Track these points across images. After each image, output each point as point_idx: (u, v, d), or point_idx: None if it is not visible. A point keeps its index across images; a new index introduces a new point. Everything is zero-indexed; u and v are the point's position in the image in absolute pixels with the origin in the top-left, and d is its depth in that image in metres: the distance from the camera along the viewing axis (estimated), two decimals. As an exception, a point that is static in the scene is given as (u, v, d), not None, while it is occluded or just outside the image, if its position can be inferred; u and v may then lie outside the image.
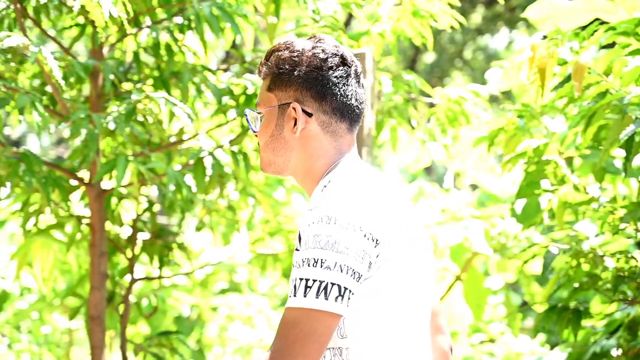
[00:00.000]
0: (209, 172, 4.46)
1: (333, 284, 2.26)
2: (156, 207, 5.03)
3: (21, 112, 4.04)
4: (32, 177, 4.14)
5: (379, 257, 2.35)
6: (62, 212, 4.88)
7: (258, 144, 2.64)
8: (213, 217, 5.05)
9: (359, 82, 2.55)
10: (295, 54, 2.51)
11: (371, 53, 4.53)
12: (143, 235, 4.96)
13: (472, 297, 6.60)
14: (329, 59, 2.50)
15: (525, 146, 4.19)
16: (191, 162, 4.54)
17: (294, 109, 2.50)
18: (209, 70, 4.64)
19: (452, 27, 4.79)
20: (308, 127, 2.50)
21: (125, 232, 5.06)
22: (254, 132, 2.59)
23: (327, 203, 2.33)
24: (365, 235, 2.31)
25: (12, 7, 4.64)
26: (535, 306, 5.88)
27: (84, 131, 4.09)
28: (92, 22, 4.53)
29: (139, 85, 4.67)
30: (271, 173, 2.60)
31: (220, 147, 4.59)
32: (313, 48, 2.52)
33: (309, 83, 2.50)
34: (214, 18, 4.36)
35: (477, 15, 17.56)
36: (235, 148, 4.59)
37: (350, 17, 10.39)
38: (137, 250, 4.89)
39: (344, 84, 2.51)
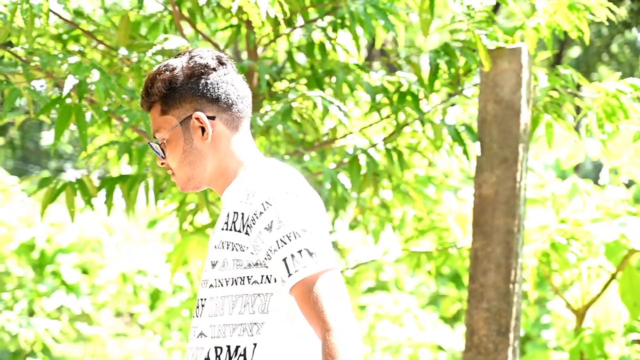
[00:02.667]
0: (363, 170, 4.46)
1: (324, 243, 2.41)
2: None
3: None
4: (190, 177, 4.19)
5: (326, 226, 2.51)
6: (217, 211, 4.94)
7: (170, 171, 2.67)
8: (366, 215, 5.04)
9: (238, 77, 2.64)
10: (176, 71, 2.59)
11: (526, 48, 4.46)
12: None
13: (629, 296, 6.43)
14: (208, 64, 2.59)
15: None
16: (345, 160, 4.55)
17: (197, 118, 2.57)
18: (362, 68, 4.63)
19: (598, 21, 4.67)
20: (215, 129, 2.59)
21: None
22: (163, 158, 2.64)
23: (270, 183, 2.46)
24: (316, 200, 2.48)
25: (167, 10, 4.74)
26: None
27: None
28: (247, 23, 4.57)
29: (292, 85, 4.70)
30: (191, 189, 2.66)
31: (374, 145, 4.58)
32: (189, 60, 2.60)
33: (200, 90, 2.58)
34: (368, 16, 4.35)
35: (623, 9, 17.17)
36: (389, 146, 4.57)
37: (495, 11, 10.24)
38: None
39: (229, 81, 2.60)
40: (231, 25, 4.80)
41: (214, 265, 2.53)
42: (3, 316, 9.80)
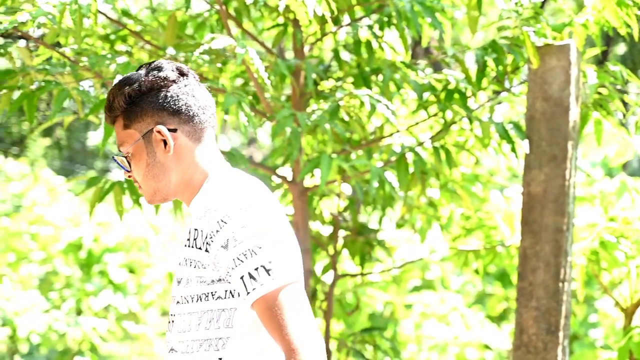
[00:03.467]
0: (410, 168, 4.44)
1: (282, 257, 2.39)
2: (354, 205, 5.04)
3: (226, 112, 4.11)
4: (238, 176, 4.19)
5: (288, 235, 2.48)
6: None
7: (137, 184, 2.68)
8: (414, 214, 5.02)
9: (200, 87, 2.64)
10: (135, 85, 2.59)
11: (575, 44, 4.42)
12: (342, 232, 4.98)
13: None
14: (168, 76, 2.59)
15: None
16: (392, 159, 4.53)
17: (159, 132, 2.58)
18: (409, 66, 4.62)
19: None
20: (177, 142, 2.59)
21: (325, 229, 5.09)
22: (129, 172, 2.66)
23: (227, 199, 2.45)
24: (274, 213, 2.46)
25: (213, 9, 4.74)
26: None
27: (288, 130, 4.13)
28: (294, 22, 4.57)
29: (339, 83, 4.69)
30: (158, 202, 2.67)
31: (421, 144, 4.56)
32: (149, 73, 2.60)
33: (160, 103, 2.58)
34: (415, 14, 4.34)
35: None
36: (437, 144, 4.55)
37: (541, 7, 10.13)
38: (338, 247, 4.91)
39: (190, 92, 2.60)
40: (277, 24, 4.80)
41: (179, 282, 2.55)
42: (51, 315, 9.88)
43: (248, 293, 2.38)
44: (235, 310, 2.46)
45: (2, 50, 3.99)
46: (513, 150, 4.41)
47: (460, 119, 4.55)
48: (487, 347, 8.89)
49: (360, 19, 4.66)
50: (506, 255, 5.17)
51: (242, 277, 2.39)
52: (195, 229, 2.50)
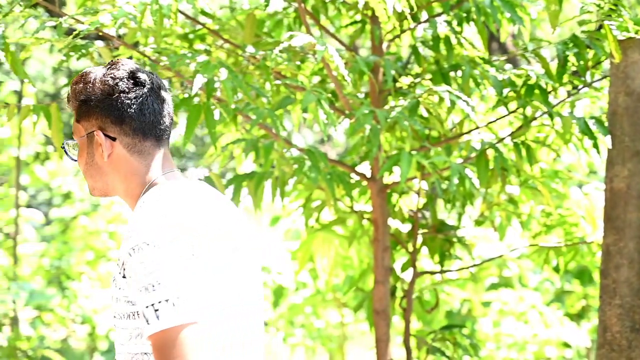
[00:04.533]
0: (491, 165, 4.41)
1: (177, 298, 2.36)
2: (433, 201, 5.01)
3: (304, 110, 4.11)
4: (317, 174, 4.20)
5: (198, 268, 2.44)
6: (343, 208, 4.94)
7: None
8: (494, 210, 4.98)
9: (157, 98, 2.64)
10: (89, 84, 2.61)
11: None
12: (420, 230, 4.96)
13: None
14: (119, 84, 2.59)
15: None
16: (472, 155, 4.50)
17: (98, 136, 2.60)
18: (488, 62, 4.58)
19: None
20: (115, 151, 2.61)
21: (403, 226, 5.08)
22: (75, 160, 2.70)
23: (141, 228, 2.43)
24: (182, 248, 2.41)
25: (291, 7, 4.75)
26: None
27: (367, 127, 4.12)
28: (371, 19, 4.56)
29: (417, 80, 4.67)
30: (98, 196, 2.71)
31: (501, 140, 4.52)
32: (104, 76, 2.61)
33: (105, 110, 2.60)
34: (494, 9, 4.30)
35: None
36: (517, 140, 4.51)
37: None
38: (418, 244, 4.88)
39: (139, 104, 2.60)
40: (355, 22, 4.79)
41: (113, 298, 2.58)
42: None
43: (144, 327, 2.40)
44: None
45: (84, 51, 4.03)
46: (595, 146, 4.35)
47: (541, 115, 4.50)
48: (566, 345, 8.80)
49: (439, 14, 4.63)
50: (588, 253, 5.10)
51: (138, 312, 2.45)
52: (120, 252, 2.53)
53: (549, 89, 4.51)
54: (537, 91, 4.44)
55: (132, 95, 2.61)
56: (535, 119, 4.52)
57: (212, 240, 2.51)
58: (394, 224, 5.03)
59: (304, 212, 4.91)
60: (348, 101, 4.33)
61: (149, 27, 4.02)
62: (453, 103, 4.14)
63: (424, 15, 4.73)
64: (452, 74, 4.62)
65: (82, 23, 3.93)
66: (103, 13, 3.75)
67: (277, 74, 4.35)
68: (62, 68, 4.84)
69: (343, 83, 4.34)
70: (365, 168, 4.98)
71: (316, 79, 4.92)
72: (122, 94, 2.60)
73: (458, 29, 4.62)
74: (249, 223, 2.74)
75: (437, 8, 4.71)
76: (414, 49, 4.68)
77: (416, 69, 4.88)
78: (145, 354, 2.49)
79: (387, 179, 4.78)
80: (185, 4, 3.99)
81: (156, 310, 2.36)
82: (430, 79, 4.61)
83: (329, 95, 4.57)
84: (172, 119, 2.70)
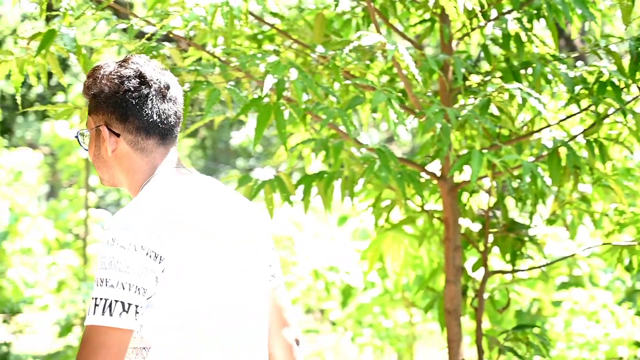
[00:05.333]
0: (563, 163, 4.37)
1: (117, 301, 2.44)
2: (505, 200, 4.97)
3: (374, 109, 4.10)
4: (388, 173, 4.19)
5: (165, 272, 2.49)
6: (413, 207, 4.92)
7: None
8: (565, 209, 4.93)
9: (163, 97, 2.69)
10: (98, 80, 2.69)
11: None
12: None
13: None
14: (125, 83, 2.66)
15: None
16: (543, 153, 4.46)
17: (104, 131, 2.69)
18: (560, 59, 4.53)
19: None
20: (119, 146, 2.69)
21: (474, 225, 5.04)
22: (86, 150, 2.80)
23: (114, 224, 2.51)
24: (147, 254, 2.47)
25: (360, 6, 4.75)
26: None
27: (438, 126, 4.10)
28: (440, 17, 4.54)
29: (487, 78, 4.64)
30: (108, 186, 2.80)
31: (573, 137, 4.48)
32: (111, 73, 2.68)
33: (111, 107, 2.67)
34: (565, 5, 4.26)
35: None
36: (589, 138, 4.46)
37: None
38: (489, 243, 4.85)
39: (143, 104, 2.66)
40: (424, 20, 4.78)
41: None
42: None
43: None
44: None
45: (154, 53, 4.06)
46: (669, 143, 4.29)
47: (614, 112, 4.45)
48: (638, 344, 8.69)
49: (509, 12, 4.59)
50: (661, 251, 5.02)
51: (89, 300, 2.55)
52: None
53: (622, 85, 4.45)
54: (609, 88, 4.38)
55: (136, 94, 2.67)
56: (607, 116, 4.47)
57: (191, 241, 2.55)
58: (464, 223, 5.00)
59: (374, 212, 4.90)
60: (417, 100, 4.31)
61: (219, 27, 4.03)
62: (524, 100, 4.10)
63: (493, 13, 4.69)
64: (522, 71, 4.58)
65: (153, 25, 3.96)
66: (175, 17, 3.78)
67: (346, 74, 4.35)
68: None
69: (413, 82, 4.33)
70: (435, 167, 4.96)
71: (385, 79, 4.91)
72: (127, 93, 2.67)
73: (528, 26, 4.58)
74: (262, 222, 2.78)
75: (506, 5, 4.68)
76: (483, 47, 4.65)
77: (486, 67, 4.84)
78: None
79: (458, 177, 4.75)
80: (254, 4, 4.00)
81: (96, 305, 2.46)
82: (501, 77, 4.58)
83: (399, 94, 4.56)
84: (179, 118, 2.76)
